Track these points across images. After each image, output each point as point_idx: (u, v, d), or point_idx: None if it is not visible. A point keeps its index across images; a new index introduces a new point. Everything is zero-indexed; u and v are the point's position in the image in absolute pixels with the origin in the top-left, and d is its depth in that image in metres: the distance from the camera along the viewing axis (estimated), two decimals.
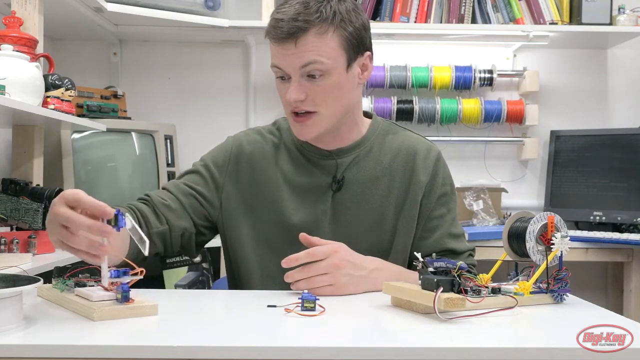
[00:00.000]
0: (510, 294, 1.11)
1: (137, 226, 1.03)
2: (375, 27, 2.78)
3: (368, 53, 1.40)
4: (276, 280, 1.34)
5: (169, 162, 2.66)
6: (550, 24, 2.85)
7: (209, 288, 2.44)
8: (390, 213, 1.42)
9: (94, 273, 1.10)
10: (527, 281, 1.15)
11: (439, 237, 1.43)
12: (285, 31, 1.29)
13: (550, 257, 1.16)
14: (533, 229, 1.18)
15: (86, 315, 0.98)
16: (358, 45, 1.36)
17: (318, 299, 1.05)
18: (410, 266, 1.41)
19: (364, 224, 1.41)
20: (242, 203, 1.44)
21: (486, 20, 2.88)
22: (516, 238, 1.22)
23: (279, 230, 1.40)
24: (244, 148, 1.47)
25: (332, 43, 1.32)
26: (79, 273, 1.11)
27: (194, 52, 3.04)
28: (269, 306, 1.07)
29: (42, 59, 2.06)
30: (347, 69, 1.35)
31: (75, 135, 2.35)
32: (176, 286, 2.46)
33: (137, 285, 1.05)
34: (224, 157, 1.47)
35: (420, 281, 1.05)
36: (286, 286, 1.24)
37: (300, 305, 1.04)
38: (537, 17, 2.87)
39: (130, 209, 1.36)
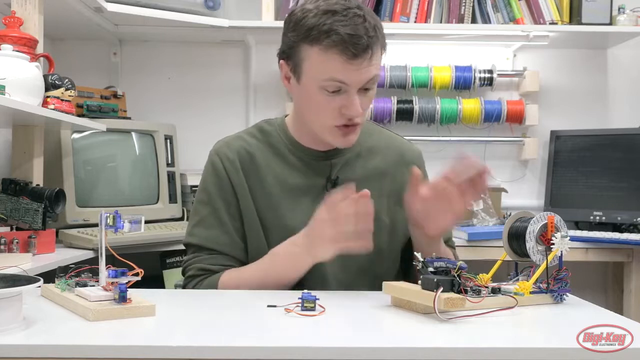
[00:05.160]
0: (510, 294, 1.12)
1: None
2: None
3: None
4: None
5: (169, 162, 2.65)
6: (550, 24, 2.84)
7: None
8: (384, 213, 1.42)
9: (95, 273, 1.10)
10: (527, 281, 1.16)
11: None
12: (363, 47, 1.26)
13: (550, 257, 1.16)
14: (533, 229, 1.18)
15: (83, 315, 0.98)
16: None
17: (318, 299, 1.05)
18: (405, 264, 1.44)
19: None
20: (254, 210, 1.42)
21: (486, 20, 2.88)
22: (516, 238, 1.22)
23: (278, 234, 1.39)
24: (231, 159, 1.43)
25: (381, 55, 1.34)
26: (81, 273, 1.12)
27: (194, 52, 3.04)
28: (269, 306, 1.07)
29: (42, 59, 2.06)
30: None
31: (75, 135, 2.34)
32: (176, 286, 2.45)
33: (138, 285, 1.05)
34: (219, 176, 1.43)
35: (420, 281, 1.05)
36: (284, 288, 1.25)
37: (300, 305, 1.04)
38: (537, 17, 2.87)
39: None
